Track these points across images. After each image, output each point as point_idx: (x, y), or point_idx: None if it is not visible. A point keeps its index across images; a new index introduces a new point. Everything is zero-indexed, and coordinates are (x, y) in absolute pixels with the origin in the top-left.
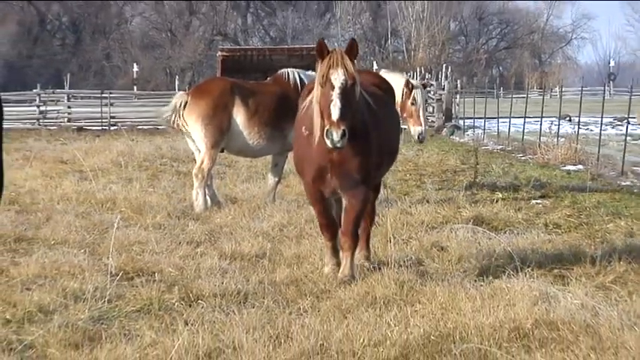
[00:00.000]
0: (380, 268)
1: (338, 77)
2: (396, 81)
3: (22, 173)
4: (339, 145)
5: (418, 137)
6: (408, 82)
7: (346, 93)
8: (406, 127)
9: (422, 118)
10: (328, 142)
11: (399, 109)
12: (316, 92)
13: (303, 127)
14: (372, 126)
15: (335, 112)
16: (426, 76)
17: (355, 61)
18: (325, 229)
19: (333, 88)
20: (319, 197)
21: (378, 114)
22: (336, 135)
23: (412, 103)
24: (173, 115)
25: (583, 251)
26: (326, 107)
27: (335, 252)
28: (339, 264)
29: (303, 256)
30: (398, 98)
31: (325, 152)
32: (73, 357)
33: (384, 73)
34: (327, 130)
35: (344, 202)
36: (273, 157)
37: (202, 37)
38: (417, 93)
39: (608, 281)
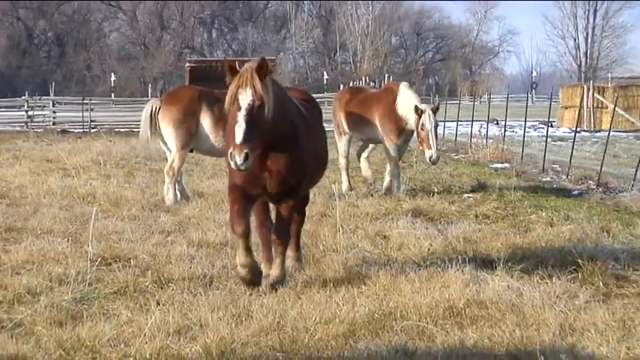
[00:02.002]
0: (330, 255)
1: (245, 97)
2: (413, 101)
3: (12, 171)
4: (242, 168)
5: (429, 159)
6: (417, 108)
7: (253, 114)
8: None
9: (432, 142)
10: (232, 164)
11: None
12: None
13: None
14: (302, 135)
15: (239, 135)
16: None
17: (266, 78)
18: (236, 222)
19: (239, 108)
20: (241, 196)
21: (309, 126)
22: (238, 159)
23: (421, 128)
24: (149, 122)
25: (509, 239)
26: (232, 127)
27: (248, 252)
28: (251, 265)
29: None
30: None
31: (259, 160)
32: (58, 334)
33: (405, 88)
34: (231, 153)
35: (273, 206)
36: None
37: (172, 50)
38: (425, 118)
39: (531, 266)
